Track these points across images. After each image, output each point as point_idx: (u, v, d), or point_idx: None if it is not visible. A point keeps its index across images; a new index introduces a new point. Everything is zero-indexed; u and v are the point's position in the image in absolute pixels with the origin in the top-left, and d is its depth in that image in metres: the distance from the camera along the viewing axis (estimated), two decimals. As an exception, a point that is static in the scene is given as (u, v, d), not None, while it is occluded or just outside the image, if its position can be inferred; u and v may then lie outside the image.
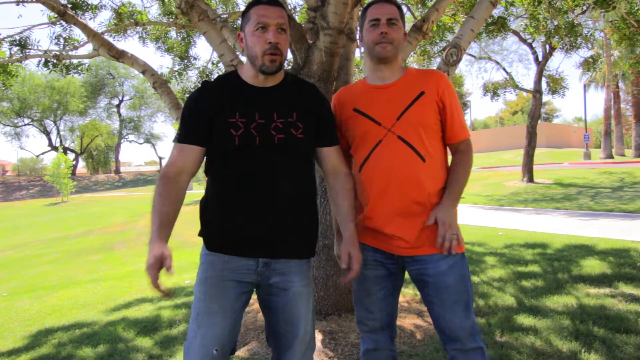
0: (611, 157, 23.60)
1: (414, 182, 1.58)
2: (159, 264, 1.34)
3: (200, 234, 1.60)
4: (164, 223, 1.43)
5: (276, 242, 1.53)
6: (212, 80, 1.61)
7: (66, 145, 43.14)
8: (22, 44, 4.42)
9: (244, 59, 3.84)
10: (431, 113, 1.61)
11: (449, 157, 1.73)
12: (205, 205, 1.59)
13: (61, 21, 4.29)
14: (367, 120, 1.64)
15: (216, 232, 1.54)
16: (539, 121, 15.53)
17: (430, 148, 1.61)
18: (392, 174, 1.59)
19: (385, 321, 1.70)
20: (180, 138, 1.53)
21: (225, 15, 5.41)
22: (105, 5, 5.02)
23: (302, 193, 1.59)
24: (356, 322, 1.77)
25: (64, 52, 4.62)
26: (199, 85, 1.60)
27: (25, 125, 41.85)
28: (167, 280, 5.23)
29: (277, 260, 1.54)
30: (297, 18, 5.63)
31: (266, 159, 1.51)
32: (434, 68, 1.77)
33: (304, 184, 1.60)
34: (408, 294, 3.74)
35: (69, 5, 4.28)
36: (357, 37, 4.08)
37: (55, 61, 4.56)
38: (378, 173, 1.61)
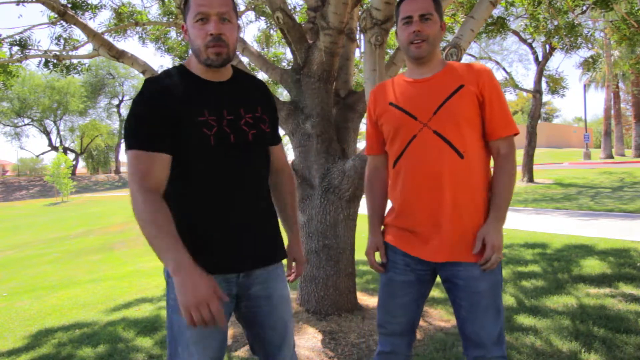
0: (611, 157, 23.61)
1: (451, 180, 1.49)
2: (216, 294, 1.19)
3: None
4: (179, 241, 1.22)
5: (259, 251, 1.43)
6: (159, 76, 1.39)
7: (66, 145, 43.13)
8: (22, 44, 4.42)
9: (244, 59, 3.86)
10: (470, 107, 1.51)
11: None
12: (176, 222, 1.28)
13: (61, 21, 4.29)
14: (402, 114, 1.56)
15: (197, 251, 1.27)
16: (539, 121, 15.54)
17: (469, 144, 1.50)
18: (426, 170, 1.51)
19: (406, 327, 1.64)
20: (147, 145, 1.28)
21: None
22: (105, 5, 5.02)
23: (269, 192, 1.53)
24: (376, 324, 1.72)
25: (64, 52, 4.62)
26: (146, 84, 1.36)
27: (25, 125, 41.85)
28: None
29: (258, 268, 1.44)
30: (297, 18, 5.63)
31: (242, 159, 1.40)
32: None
33: (267, 182, 1.53)
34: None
35: (69, 5, 4.28)
36: (357, 36, 4.09)
37: (55, 61, 4.56)
38: (412, 170, 1.54)
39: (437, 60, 1.60)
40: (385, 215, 1.71)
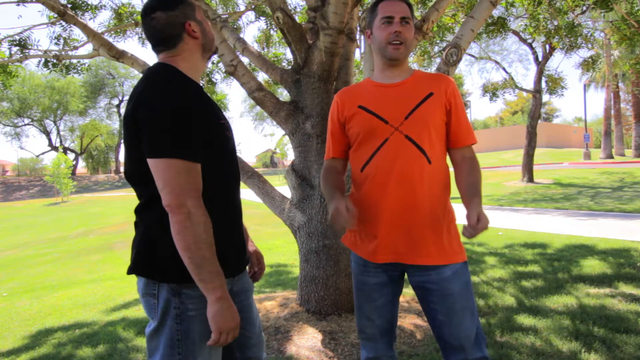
0: (611, 157, 23.61)
1: (419, 184, 1.50)
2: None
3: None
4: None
5: (247, 250, 1.50)
6: (181, 78, 1.29)
7: (66, 145, 43.13)
8: (22, 44, 4.42)
9: (244, 59, 3.85)
10: (439, 114, 1.55)
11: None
12: None
13: (61, 21, 4.29)
14: (373, 118, 1.55)
15: (224, 255, 1.28)
16: (539, 121, 15.54)
17: (436, 150, 1.54)
18: (397, 174, 1.50)
19: (384, 328, 1.64)
20: (195, 156, 1.21)
21: (225, 16, 5.40)
22: (105, 6, 5.02)
23: None
24: (357, 330, 1.72)
25: (63, 52, 4.62)
26: (181, 85, 1.26)
27: (25, 125, 41.84)
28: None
29: None
30: (297, 18, 5.63)
31: (236, 162, 1.43)
32: (434, 68, 1.71)
33: None
34: (408, 294, 3.73)
35: (69, 5, 4.28)
36: (357, 36, 4.09)
37: (55, 61, 4.56)
38: (382, 173, 1.53)
39: (406, 66, 1.64)
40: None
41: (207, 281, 1.19)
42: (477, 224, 1.44)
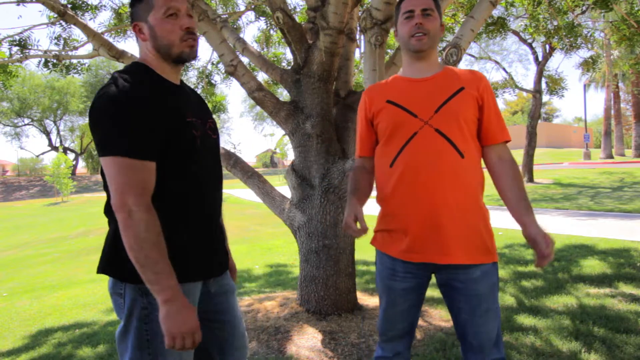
0: (611, 157, 23.61)
1: (452, 179, 1.45)
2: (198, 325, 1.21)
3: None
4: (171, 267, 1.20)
5: (225, 253, 1.49)
6: (133, 74, 1.26)
7: (66, 145, 43.12)
8: (22, 44, 4.42)
9: (244, 59, 3.86)
10: (470, 109, 1.50)
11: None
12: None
13: (61, 21, 4.29)
14: (401, 112, 1.51)
15: (191, 257, 1.28)
16: (539, 121, 15.55)
17: (468, 145, 1.49)
18: (427, 169, 1.46)
19: (405, 330, 1.62)
20: (140, 153, 1.17)
21: (225, 16, 5.40)
22: (105, 6, 5.02)
23: None
24: (378, 331, 1.68)
25: (63, 52, 4.62)
26: (127, 79, 1.22)
27: (25, 125, 41.84)
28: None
29: None
30: (297, 18, 5.63)
31: (217, 162, 1.43)
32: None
33: None
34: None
35: (69, 6, 4.28)
36: (357, 36, 4.09)
37: (55, 61, 4.56)
38: (411, 168, 1.47)
39: (435, 61, 1.59)
40: (376, 221, 1.63)
41: (153, 282, 1.15)
42: (547, 249, 1.41)
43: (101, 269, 1.32)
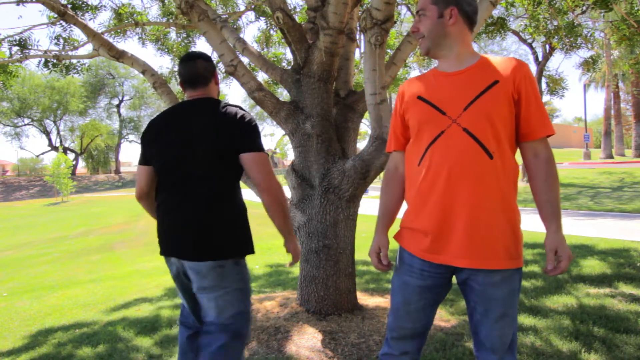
0: (611, 157, 23.62)
1: (478, 181, 1.39)
2: None
3: (251, 249, 1.89)
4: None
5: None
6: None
7: (66, 145, 43.11)
8: (22, 44, 4.42)
9: (244, 59, 3.85)
10: (504, 105, 1.40)
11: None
12: (242, 215, 1.89)
13: (61, 21, 4.30)
14: (430, 109, 1.46)
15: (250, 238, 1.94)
16: (539, 121, 15.52)
17: (500, 144, 1.40)
18: (451, 170, 1.41)
19: (417, 331, 1.55)
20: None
21: (225, 16, 5.41)
22: (105, 6, 5.02)
23: None
24: (386, 327, 1.64)
25: (63, 52, 4.62)
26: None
27: (25, 125, 41.84)
28: (167, 281, 5.22)
29: None
30: (297, 18, 5.63)
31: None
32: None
33: None
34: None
35: (69, 6, 4.28)
36: (357, 36, 4.09)
37: (55, 61, 4.56)
38: (436, 168, 1.43)
39: (463, 52, 1.49)
40: (402, 217, 1.61)
41: (290, 230, 2.04)
42: (558, 265, 1.39)
43: (223, 253, 1.79)
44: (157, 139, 1.89)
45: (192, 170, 1.78)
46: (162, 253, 1.89)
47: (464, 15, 1.48)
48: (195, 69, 1.90)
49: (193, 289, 1.84)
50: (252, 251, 1.89)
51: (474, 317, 1.50)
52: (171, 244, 1.84)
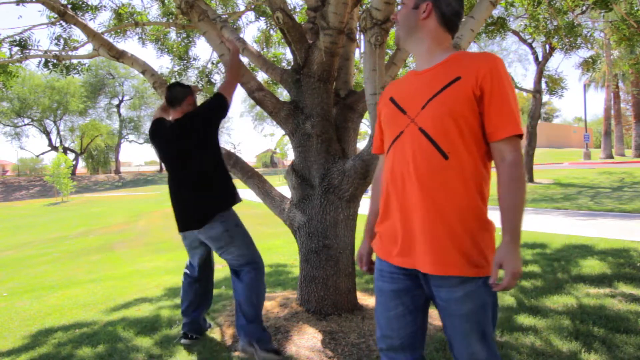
0: (611, 157, 23.62)
1: (431, 183, 1.33)
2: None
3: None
4: None
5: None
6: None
7: (66, 145, 43.11)
8: (22, 44, 4.42)
9: (244, 59, 3.85)
10: (464, 102, 1.32)
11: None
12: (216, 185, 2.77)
13: (61, 21, 4.29)
14: (395, 109, 1.44)
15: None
16: (539, 121, 15.55)
17: (457, 144, 1.32)
18: (408, 171, 1.37)
19: (407, 342, 1.45)
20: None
21: (225, 16, 5.41)
22: (105, 6, 5.02)
23: None
24: (376, 340, 1.62)
25: (63, 53, 4.62)
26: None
27: (25, 125, 41.83)
28: (167, 281, 5.22)
29: None
30: (297, 18, 5.63)
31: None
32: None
33: None
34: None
35: (69, 6, 4.28)
36: (357, 36, 4.09)
37: (55, 61, 4.56)
38: (395, 169, 1.41)
39: (434, 48, 1.44)
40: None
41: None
42: (502, 281, 1.27)
43: (211, 213, 2.64)
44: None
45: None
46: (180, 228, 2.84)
47: (439, 13, 1.43)
48: (173, 94, 2.77)
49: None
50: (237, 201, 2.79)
51: (446, 332, 1.44)
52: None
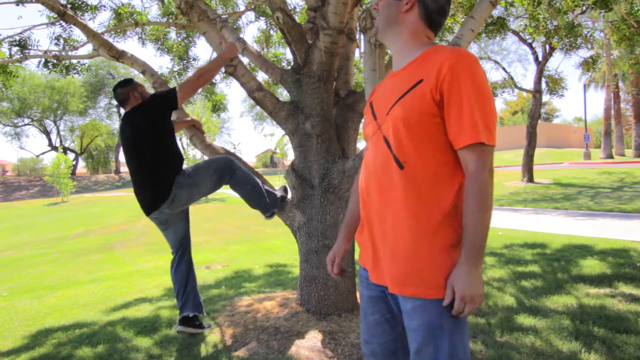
0: (611, 157, 23.62)
1: (388, 193, 1.26)
2: None
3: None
4: None
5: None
6: None
7: (66, 145, 43.13)
8: (22, 45, 4.42)
9: (244, 59, 3.85)
10: (423, 107, 1.20)
11: None
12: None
13: (61, 21, 4.29)
14: (370, 115, 1.39)
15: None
16: (539, 121, 15.56)
17: (414, 153, 1.21)
18: (370, 181, 1.32)
19: (388, 348, 1.40)
20: None
21: (225, 16, 5.40)
22: (105, 6, 5.02)
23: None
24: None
25: (63, 53, 4.62)
26: None
27: (25, 125, 41.85)
28: (167, 281, 5.22)
29: None
30: (297, 18, 5.63)
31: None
32: None
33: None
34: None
35: (69, 6, 4.28)
36: (357, 36, 4.09)
37: (55, 61, 4.56)
38: (363, 179, 1.37)
39: (410, 44, 1.33)
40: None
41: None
42: (455, 305, 1.15)
43: (168, 190, 2.83)
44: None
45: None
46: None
47: (422, 7, 1.32)
48: (116, 96, 2.96)
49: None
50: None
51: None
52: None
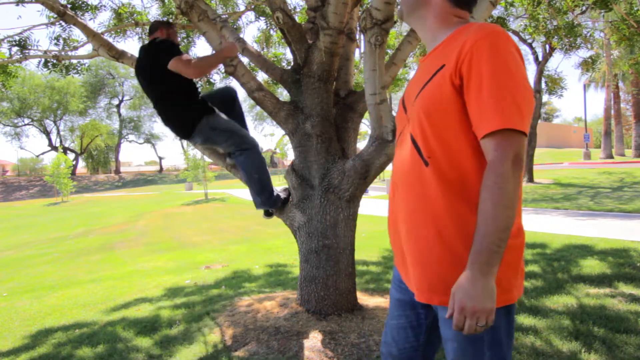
0: (611, 157, 23.63)
1: (415, 193, 1.13)
2: None
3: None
4: None
5: None
6: None
7: (66, 145, 43.15)
8: (22, 45, 4.42)
9: (244, 59, 3.85)
10: (441, 95, 1.06)
11: None
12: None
13: (61, 21, 4.29)
14: (401, 107, 1.25)
15: None
16: (539, 121, 15.57)
17: (439, 147, 1.08)
18: (395, 180, 1.22)
19: (406, 355, 1.32)
20: None
21: (225, 16, 5.40)
22: (105, 6, 5.02)
23: None
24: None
25: (63, 53, 4.62)
26: None
27: (25, 125, 41.87)
28: (167, 281, 5.22)
29: None
30: (297, 18, 5.63)
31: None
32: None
33: None
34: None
35: (69, 6, 4.28)
36: (357, 36, 4.09)
37: (55, 61, 4.56)
38: (393, 178, 1.25)
39: (436, 27, 1.19)
40: None
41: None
42: (454, 318, 1.02)
43: (191, 129, 2.99)
44: None
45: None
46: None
47: None
48: (150, 25, 3.15)
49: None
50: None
51: None
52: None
